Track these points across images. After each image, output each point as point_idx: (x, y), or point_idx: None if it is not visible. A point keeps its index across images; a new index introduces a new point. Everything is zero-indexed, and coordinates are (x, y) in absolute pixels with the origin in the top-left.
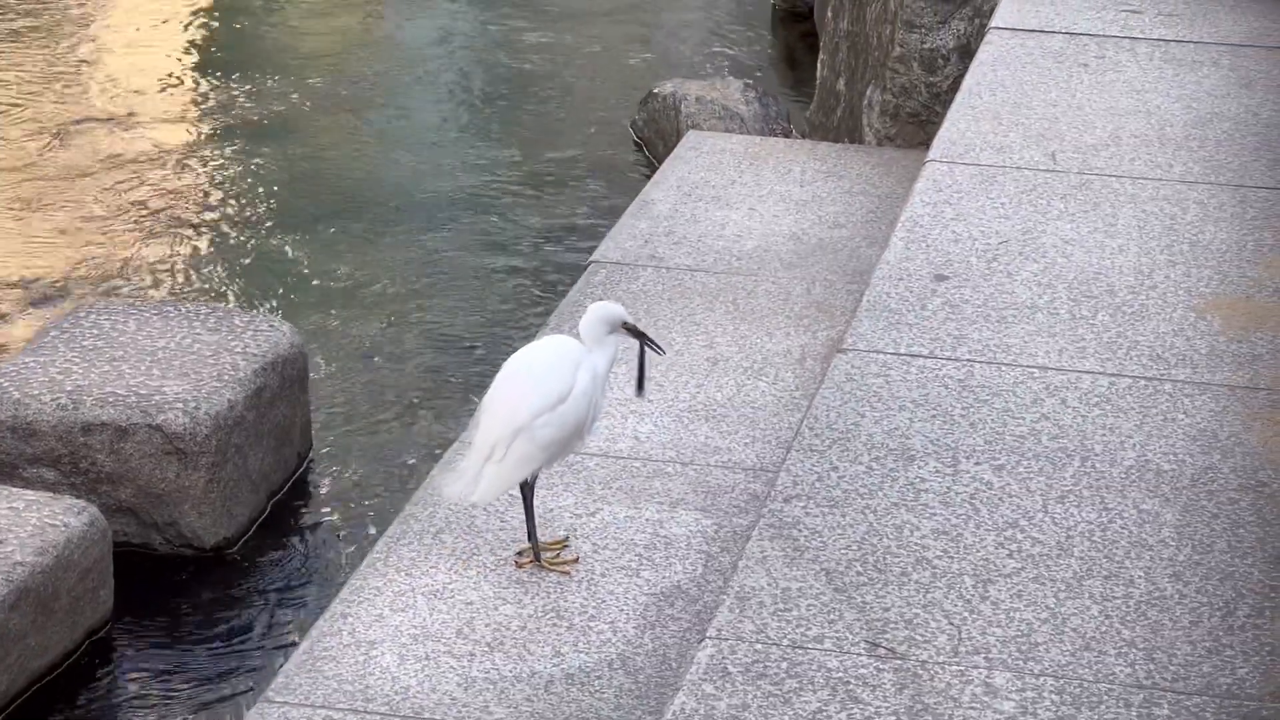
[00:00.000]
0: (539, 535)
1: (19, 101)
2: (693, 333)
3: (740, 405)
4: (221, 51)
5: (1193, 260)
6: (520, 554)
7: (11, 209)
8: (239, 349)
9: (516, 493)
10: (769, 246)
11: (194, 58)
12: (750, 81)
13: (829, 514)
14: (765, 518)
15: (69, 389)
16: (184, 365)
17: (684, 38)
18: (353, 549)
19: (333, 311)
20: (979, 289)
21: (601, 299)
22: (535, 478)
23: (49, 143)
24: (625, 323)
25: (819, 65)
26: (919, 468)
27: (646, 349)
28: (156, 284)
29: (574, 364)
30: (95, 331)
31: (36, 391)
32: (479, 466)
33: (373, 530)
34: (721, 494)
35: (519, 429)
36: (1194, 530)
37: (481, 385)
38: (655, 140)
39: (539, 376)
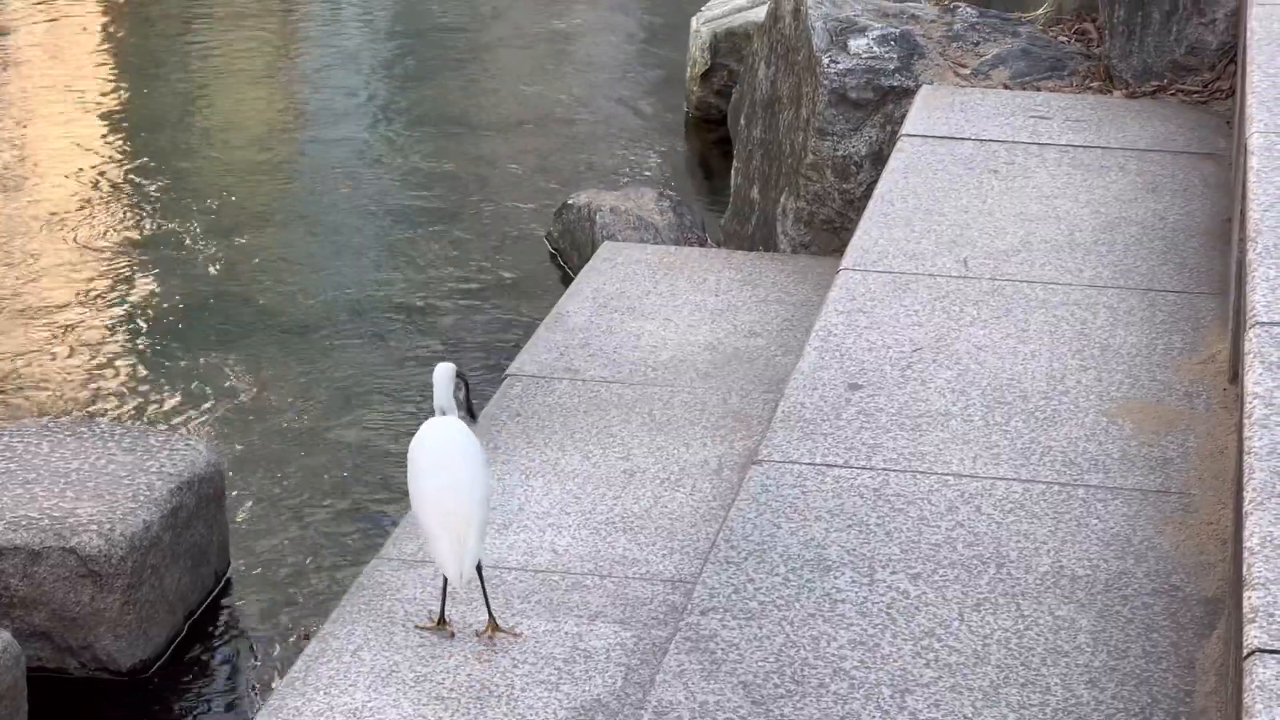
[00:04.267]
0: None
1: None
2: (609, 444)
3: (658, 516)
4: (129, 167)
5: (1103, 364)
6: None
7: None
8: (154, 469)
9: (435, 588)
10: (685, 357)
11: (103, 172)
12: (664, 191)
13: (746, 626)
14: (682, 630)
15: None
16: (99, 486)
17: (598, 147)
18: (271, 668)
19: (248, 429)
20: (893, 397)
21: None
22: None
23: None
24: (459, 372)
25: (733, 173)
26: (835, 578)
27: (466, 385)
28: (69, 404)
29: (465, 433)
30: (8, 454)
31: None
32: (461, 548)
33: (291, 649)
34: (640, 606)
35: (483, 499)
36: (1109, 636)
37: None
38: (570, 251)
39: (458, 453)
